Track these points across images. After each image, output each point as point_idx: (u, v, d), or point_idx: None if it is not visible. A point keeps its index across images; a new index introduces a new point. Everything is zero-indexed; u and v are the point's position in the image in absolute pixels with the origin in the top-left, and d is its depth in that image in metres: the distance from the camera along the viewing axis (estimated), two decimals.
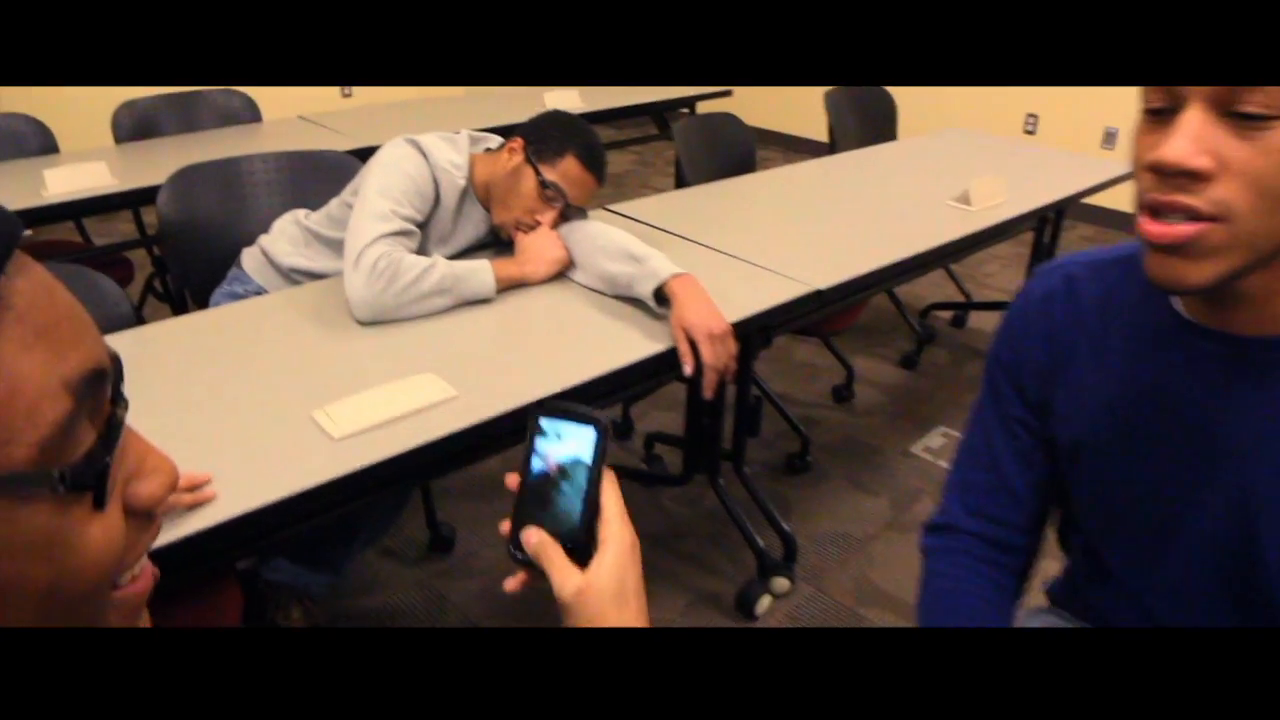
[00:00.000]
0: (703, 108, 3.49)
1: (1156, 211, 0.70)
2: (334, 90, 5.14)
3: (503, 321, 1.55)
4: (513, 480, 0.64)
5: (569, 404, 0.64)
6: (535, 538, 0.62)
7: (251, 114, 2.93)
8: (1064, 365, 0.91)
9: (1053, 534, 1.06)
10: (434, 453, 1.20)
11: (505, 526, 0.63)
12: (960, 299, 3.52)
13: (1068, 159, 2.84)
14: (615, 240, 1.62)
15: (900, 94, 3.42)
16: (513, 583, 0.66)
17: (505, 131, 1.77)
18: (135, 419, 0.42)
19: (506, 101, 3.24)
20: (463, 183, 1.69)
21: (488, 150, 1.76)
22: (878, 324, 3.40)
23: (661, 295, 1.51)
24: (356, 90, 5.21)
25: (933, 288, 3.66)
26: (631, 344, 1.48)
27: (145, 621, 0.45)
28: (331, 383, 1.30)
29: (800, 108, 5.62)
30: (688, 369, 1.46)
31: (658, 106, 3.53)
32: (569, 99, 3.26)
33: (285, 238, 1.76)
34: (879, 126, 3.30)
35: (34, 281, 0.36)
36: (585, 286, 1.67)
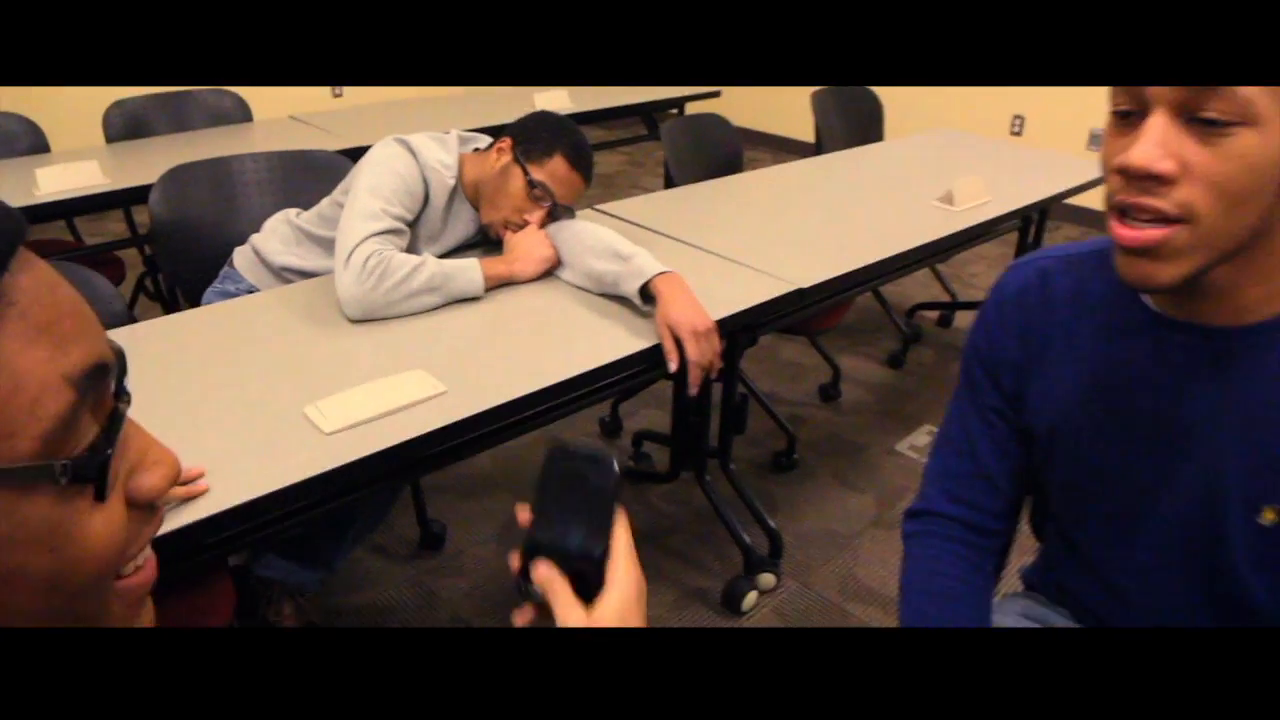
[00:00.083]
0: (691, 109, 3.52)
1: (1125, 213, 0.74)
2: (324, 90, 5.15)
3: (491, 319, 1.58)
4: (525, 515, 0.65)
5: (585, 444, 0.65)
6: (544, 571, 0.62)
7: (242, 114, 2.95)
8: (1038, 357, 0.95)
9: (1026, 522, 1.10)
10: (423, 447, 1.22)
11: (515, 562, 0.64)
12: (946, 299, 3.55)
13: (1052, 160, 2.87)
14: (602, 239, 1.65)
15: (886, 96, 3.45)
16: (521, 618, 0.66)
17: (494, 132, 1.79)
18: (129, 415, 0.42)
19: (496, 102, 3.26)
20: (452, 182, 1.71)
21: (477, 150, 1.79)
22: (864, 324, 3.43)
23: (647, 293, 1.54)
24: (347, 90, 5.22)
25: (919, 288, 3.69)
26: (617, 341, 1.50)
27: (149, 610, 0.46)
28: (323, 379, 1.32)
29: (788, 109, 5.66)
30: (673, 365, 1.48)
31: (647, 107, 3.56)
32: (558, 100, 3.28)
33: (277, 237, 1.78)
34: (865, 128, 3.33)
35: (37, 278, 0.36)
36: (572, 284, 1.70)
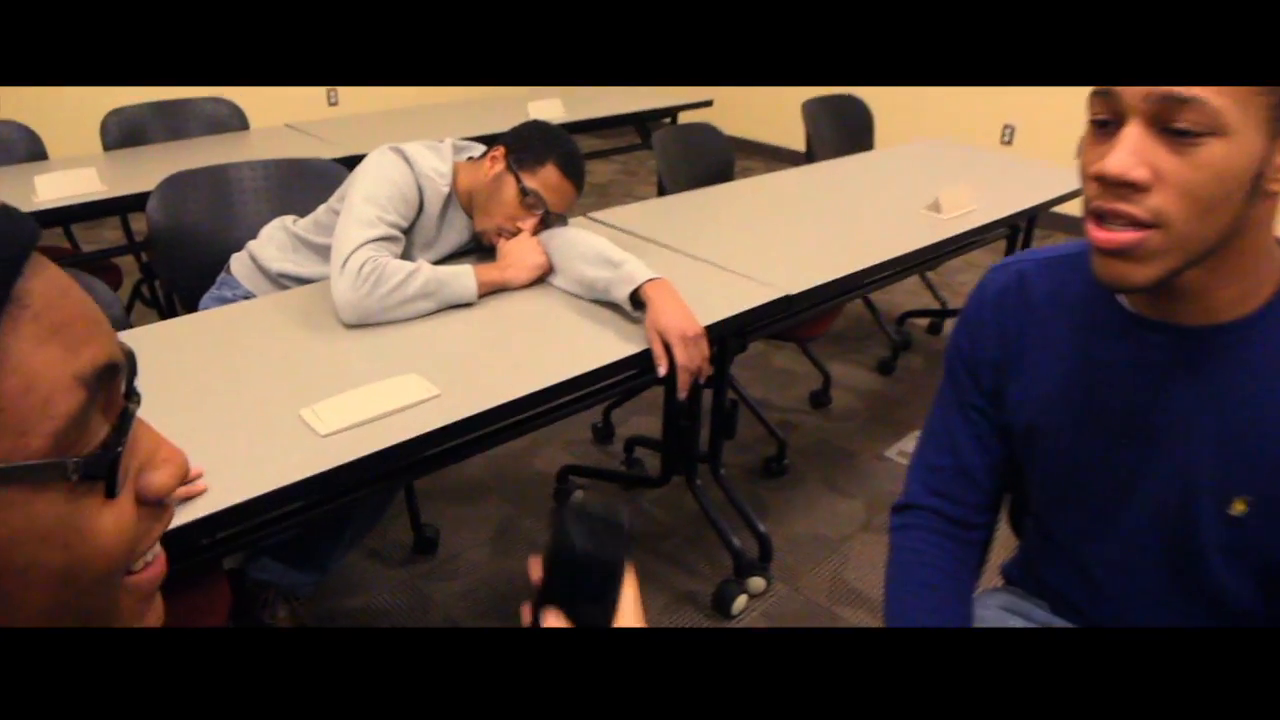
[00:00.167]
0: (684, 118, 3.56)
1: (1102, 218, 0.77)
2: (320, 99, 5.18)
3: (484, 324, 1.60)
4: (536, 569, 0.65)
5: (597, 502, 0.67)
6: (554, 621, 0.63)
7: (239, 122, 2.97)
8: (1017, 356, 0.98)
9: (1005, 520, 1.13)
10: (417, 448, 1.24)
11: (526, 613, 0.65)
12: (936, 306, 3.59)
13: (1041, 169, 2.91)
14: (593, 246, 1.68)
15: (877, 105, 3.49)
16: None
17: (488, 141, 1.82)
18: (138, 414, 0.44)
19: (490, 111, 3.29)
20: (446, 190, 1.74)
21: (471, 159, 1.81)
22: (855, 331, 3.46)
23: (637, 299, 1.57)
24: (342, 99, 5.25)
25: (909, 295, 3.73)
26: (608, 346, 1.53)
27: (158, 606, 0.46)
28: (318, 383, 1.34)
29: (780, 118, 5.70)
30: (662, 370, 1.51)
31: (640, 116, 3.59)
32: (552, 109, 3.31)
33: (273, 243, 1.81)
34: (856, 137, 3.36)
35: (49, 282, 0.37)
36: (564, 291, 1.73)
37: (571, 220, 1.88)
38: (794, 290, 1.79)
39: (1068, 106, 4.59)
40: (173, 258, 1.90)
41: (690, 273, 1.86)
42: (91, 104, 3.01)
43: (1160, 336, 0.87)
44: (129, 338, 1.49)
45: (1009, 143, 4.89)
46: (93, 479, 0.38)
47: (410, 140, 1.74)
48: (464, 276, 1.62)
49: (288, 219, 1.85)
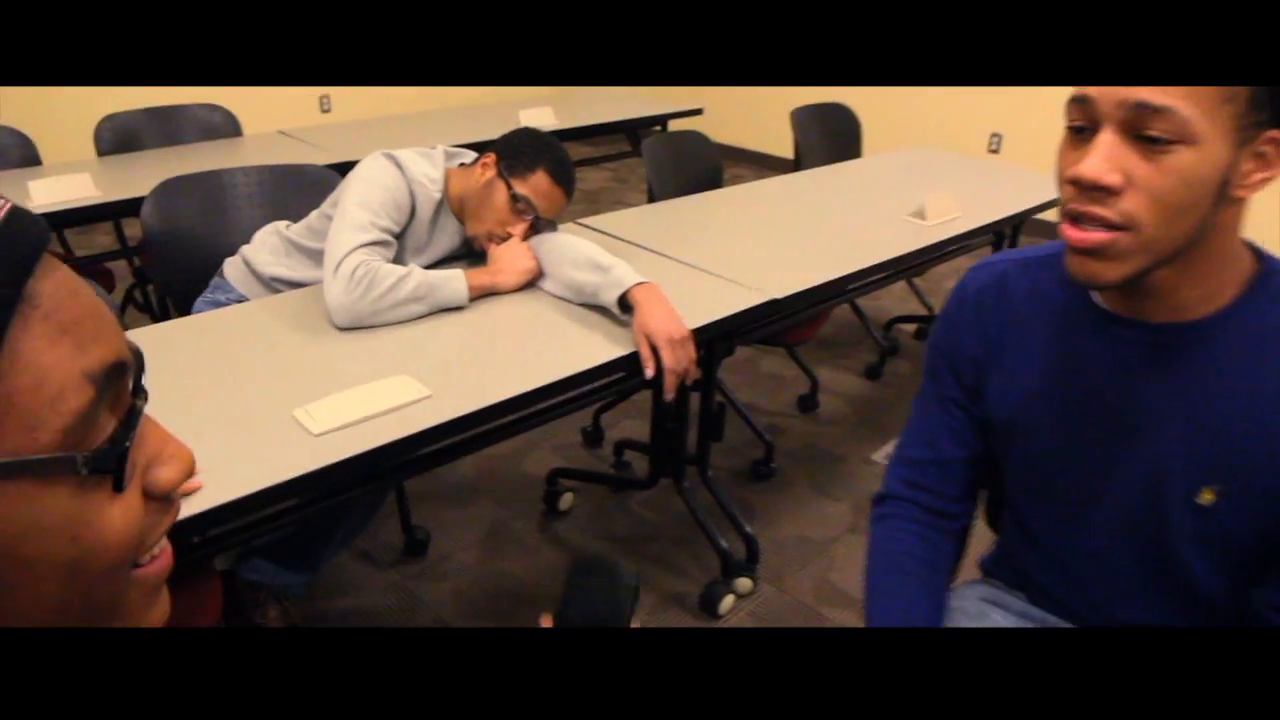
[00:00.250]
0: (674, 126, 3.59)
1: (1076, 219, 0.81)
2: (314, 105, 5.21)
3: (475, 327, 1.63)
4: (547, 621, 0.68)
5: (607, 558, 0.69)
6: None
7: (232, 128, 3.00)
8: (996, 353, 1.02)
9: (982, 516, 1.17)
10: (409, 448, 1.27)
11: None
12: (923, 312, 3.63)
13: (1028, 176, 2.94)
14: (582, 251, 1.71)
15: (865, 113, 3.53)
16: None
17: (480, 148, 1.85)
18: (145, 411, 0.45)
19: (481, 119, 3.32)
20: (438, 196, 1.77)
21: (462, 165, 1.84)
22: (843, 337, 3.50)
23: (625, 303, 1.60)
24: (335, 105, 5.28)
25: (896, 301, 3.77)
26: (596, 348, 1.56)
27: (164, 599, 0.47)
28: (311, 384, 1.37)
29: (768, 126, 5.74)
30: (649, 372, 1.54)
31: (630, 124, 3.63)
32: (543, 117, 3.34)
33: (266, 248, 1.83)
34: (844, 145, 3.40)
35: (60, 282, 0.39)
36: (553, 295, 1.76)
37: (561, 226, 1.91)
38: (780, 294, 1.82)
39: (1055, 115, 4.58)
40: (166, 262, 1.92)
41: (678, 277, 1.89)
42: (85, 110, 3.03)
43: (1132, 333, 0.91)
44: None
45: (996, 151, 4.94)
46: (101, 473, 0.39)
47: (402, 147, 1.77)
48: (455, 280, 1.65)
49: (281, 224, 1.87)
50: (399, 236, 1.71)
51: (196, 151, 2.77)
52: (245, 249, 1.85)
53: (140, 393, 0.44)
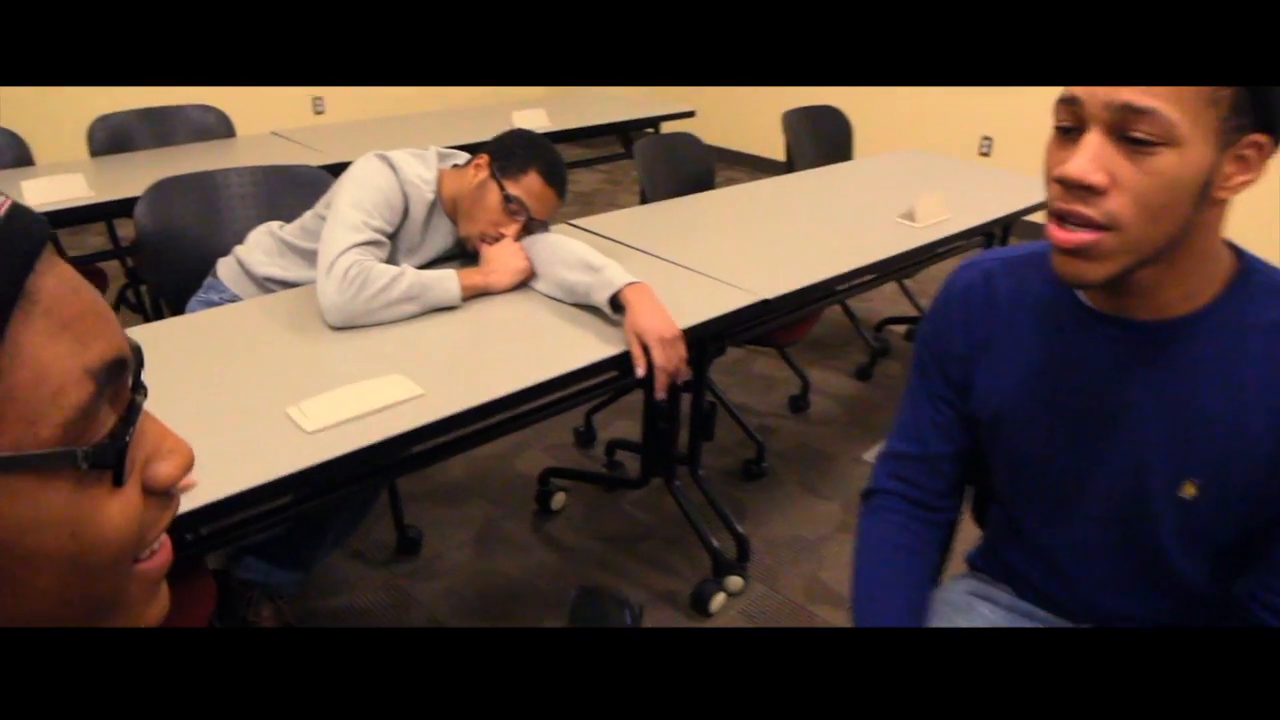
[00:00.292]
0: (666, 128, 3.61)
1: (1062, 218, 0.83)
2: (306, 107, 5.21)
3: (467, 327, 1.64)
4: None
5: (610, 590, 0.70)
6: None
7: (225, 129, 3.00)
8: (983, 349, 1.04)
9: (968, 512, 1.19)
10: (402, 445, 1.28)
11: None
12: (913, 314, 3.65)
13: (1017, 179, 2.96)
14: (574, 251, 1.72)
15: (857, 116, 3.55)
16: None
17: (473, 149, 1.87)
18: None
19: (474, 120, 3.33)
20: (431, 196, 1.78)
21: (455, 166, 1.86)
22: (834, 338, 3.52)
23: (617, 302, 1.61)
24: (329, 107, 5.28)
25: (887, 303, 3.79)
26: (588, 347, 1.58)
27: (164, 593, 0.47)
28: (305, 382, 1.38)
29: (760, 128, 5.75)
30: (640, 370, 1.56)
31: (623, 126, 3.64)
32: (536, 118, 3.36)
33: (260, 248, 1.84)
34: (835, 148, 3.42)
35: (60, 278, 0.39)
36: (546, 295, 1.77)
37: (554, 227, 1.92)
38: (770, 295, 1.84)
39: (1045, 119, 4.59)
40: (160, 262, 1.92)
41: (669, 278, 1.90)
42: (78, 110, 3.04)
43: (1116, 330, 0.93)
44: None
45: (987, 154, 4.97)
46: (101, 468, 0.39)
47: (395, 149, 1.78)
48: (448, 280, 1.66)
49: (274, 224, 1.88)
50: (392, 237, 1.72)
51: (190, 152, 2.77)
52: (239, 249, 1.86)
53: (140, 388, 0.44)
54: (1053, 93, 0.83)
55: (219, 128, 2.99)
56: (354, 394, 1.33)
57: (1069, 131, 0.82)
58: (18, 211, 0.38)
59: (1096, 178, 0.79)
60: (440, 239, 1.83)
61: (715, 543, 2.12)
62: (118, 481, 0.40)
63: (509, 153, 1.76)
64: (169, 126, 2.91)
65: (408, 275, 1.61)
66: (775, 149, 3.45)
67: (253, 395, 1.35)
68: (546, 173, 1.76)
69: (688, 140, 2.83)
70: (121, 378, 0.42)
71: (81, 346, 0.38)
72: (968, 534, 1.26)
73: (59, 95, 4.11)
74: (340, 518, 1.82)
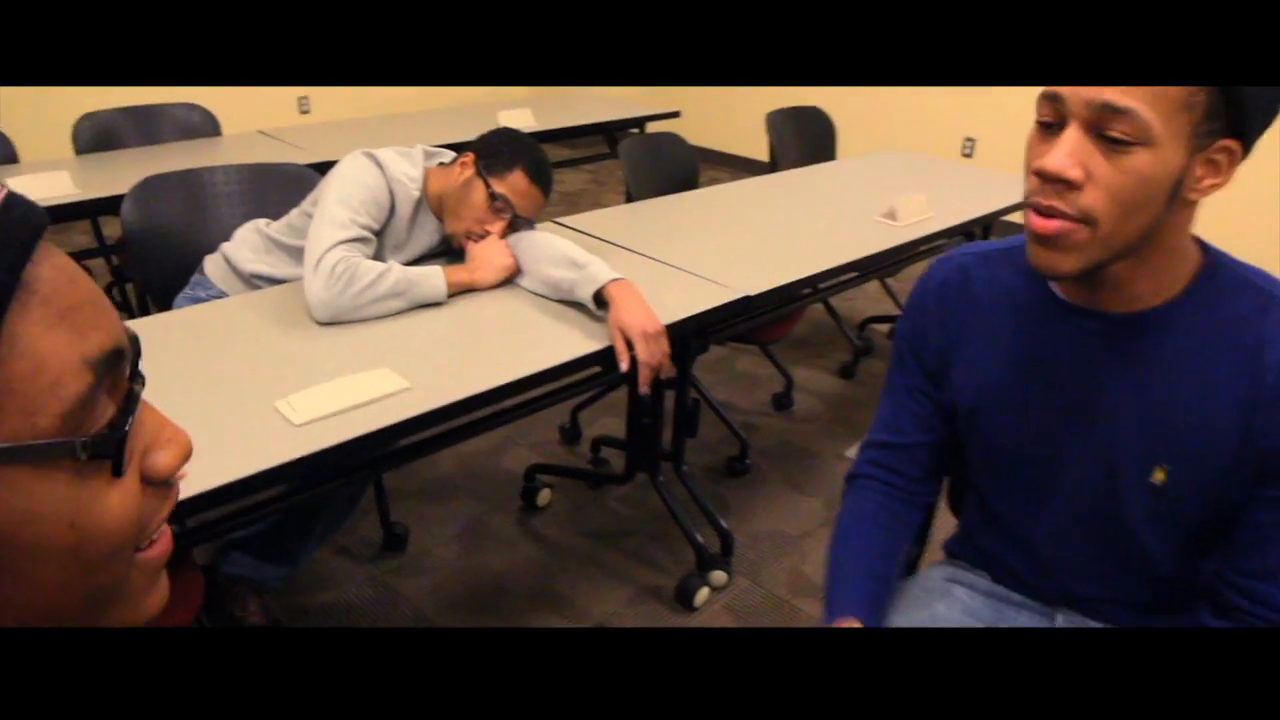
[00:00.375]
0: (652, 128, 3.63)
1: (1038, 210, 0.86)
2: (292, 106, 5.21)
3: (453, 323, 1.66)
4: None
5: None
6: None
7: (211, 128, 3.00)
8: (959, 341, 1.07)
9: (945, 502, 1.22)
10: (389, 438, 1.30)
11: None
12: (896, 313, 3.68)
13: (998, 179, 2.99)
14: (559, 249, 1.74)
15: (840, 117, 3.58)
16: None
17: (458, 149, 1.88)
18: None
19: (460, 120, 3.35)
20: (417, 194, 1.79)
21: (441, 164, 1.87)
22: (817, 336, 3.55)
23: (601, 298, 1.63)
24: (314, 106, 5.28)
25: (871, 302, 3.83)
26: (572, 343, 1.60)
27: (163, 582, 0.47)
28: (292, 376, 1.40)
29: (744, 129, 5.78)
30: (623, 365, 1.58)
31: (608, 126, 3.66)
32: (522, 118, 3.37)
33: (247, 245, 1.85)
34: (818, 148, 3.45)
35: (57, 268, 0.38)
36: (531, 291, 1.79)
37: (539, 225, 1.94)
38: (753, 291, 1.86)
39: (1027, 119, 4.67)
40: (146, 259, 1.93)
41: (653, 275, 1.93)
42: (63, 108, 3.03)
43: (1090, 322, 0.96)
44: None
45: (970, 155, 5.02)
46: (100, 458, 0.39)
47: (382, 147, 1.80)
48: (434, 277, 1.68)
49: (261, 222, 1.89)
50: (379, 234, 1.74)
51: (175, 150, 2.77)
52: (225, 246, 1.87)
53: (138, 378, 0.44)
54: (1035, 95, 0.87)
55: (204, 126, 3.00)
56: (342, 387, 1.35)
57: (1050, 127, 0.85)
58: (14, 200, 0.37)
59: (1074, 173, 0.82)
60: (426, 236, 1.85)
61: (699, 538, 2.15)
62: (117, 472, 0.40)
63: (494, 151, 1.78)
64: (154, 125, 2.91)
65: (394, 271, 1.63)
66: (759, 150, 3.48)
67: (241, 389, 1.36)
68: (532, 171, 1.78)
69: (673, 140, 2.86)
70: (119, 368, 0.42)
71: (79, 337, 0.38)
72: (946, 523, 1.30)
73: (44, 93, 4.10)
74: (327, 513, 1.83)
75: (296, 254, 1.76)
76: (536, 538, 2.32)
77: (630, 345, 1.58)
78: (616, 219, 2.35)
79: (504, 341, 1.60)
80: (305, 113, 5.27)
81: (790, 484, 2.60)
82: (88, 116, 2.76)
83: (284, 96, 5.17)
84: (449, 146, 1.97)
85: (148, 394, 0.44)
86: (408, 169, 1.79)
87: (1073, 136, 0.82)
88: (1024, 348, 1.02)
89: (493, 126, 1.92)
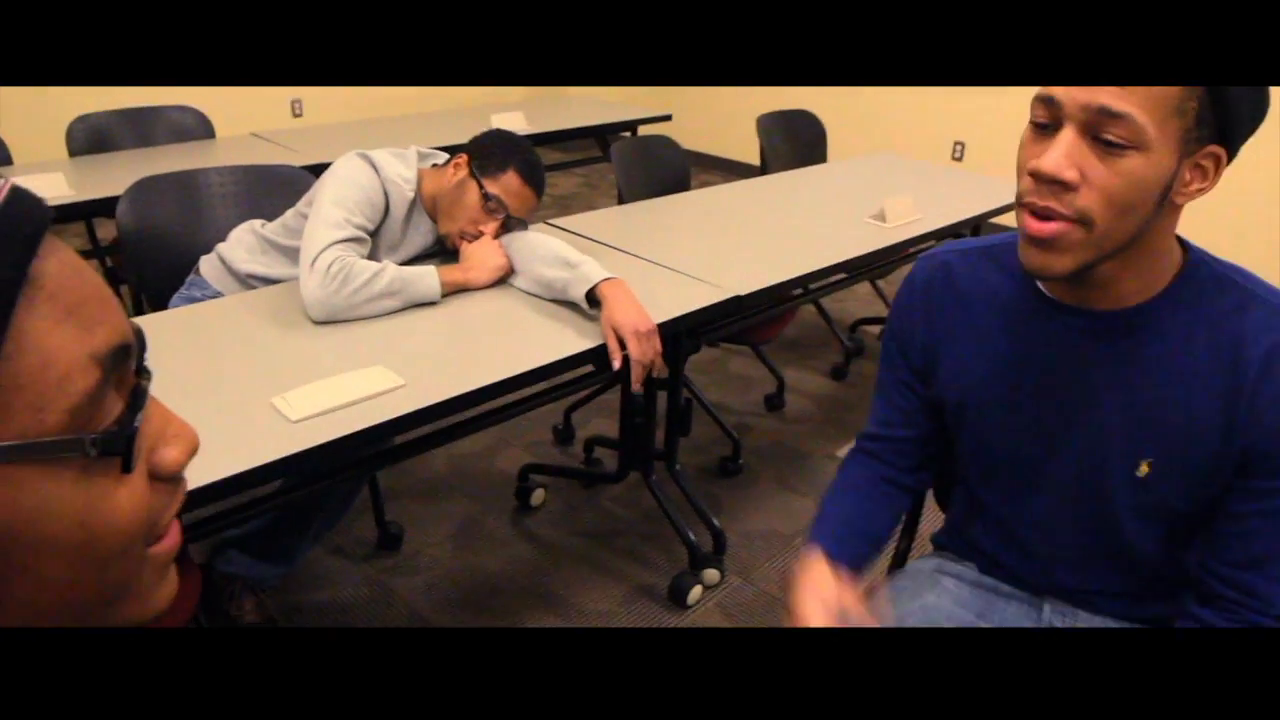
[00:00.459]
0: (644, 132, 3.66)
1: (1033, 211, 0.88)
2: (285, 110, 5.22)
3: (447, 322, 1.68)
4: None
5: None
6: None
7: (205, 130, 3.02)
8: (945, 337, 1.10)
9: (932, 496, 1.24)
10: (385, 434, 1.31)
11: None
12: (887, 314, 3.70)
13: (986, 181, 3.02)
14: (552, 249, 1.76)
15: (830, 121, 3.61)
16: None
17: (451, 151, 1.90)
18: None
19: (452, 123, 3.37)
20: (411, 195, 1.81)
21: (435, 165, 1.89)
22: (809, 338, 3.57)
23: (593, 297, 1.65)
24: (307, 110, 5.29)
25: (861, 304, 3.85)
26: (565, 341, 1.62)
27: (172, 577, 0.47)
28: (289, 374, 1.41)
29: (735, 133, 5.82)
30: (616, 363, 1.60)
31: (600, 129, 3.68)
32: (515, 121, 3.39)
33: (242, 246, 1.86)
34: (809, 151, 3.48)
35: (63, 262, 0.38)
36: (524, 291, 1.81)
37: (532, 226, 1.96)
38: (743, 291, 1.88)
39: (1016, 123, 4.73)
40: (141, 260, 1.94)
41: (645, 275, 1.94)
42: (57, 111, 3.04)
43: (1076, 319, 0.99)
44: None
45: (959, 159, 5.05)
46: (111, 453, 0.39)
47: (375, 149, 1.82)
48: (428, 276, 1.70)
49: (256, 223, 1.90)
50: (373, 234, 1.75)
51: (169, 153, 2.78)
52: (221, 247, 1.89)
53: (144, 373, 0.43)
54: (1024, 101, 0.89)
55: (198, 129, 3.01)
56: (337, 384, 1.36)
57: (1044, 128, 0.87)
58: (19, 195, 0.37)
59: (1070, 174, 0.84)
60: (420, 237, 1.87)
61: (692, 536, 2.17)
62: (127, 468, 0.40)
63: (488, 152, 1.80)
64: (148, 127, 2.92)
65: (389, 271, 1.64)
66: (750, 154, 3.51)
67: (238, 386, 1.38)
68: (524, 171, 1.79)
69: (664, 143, 2.88)
70: (126, 363, 0.41)
71: (86, 332, 0.38)
72: (934, 517, 1.32)
73: (38, 95, 4.10)
74: (322, 512, 1.85)
75: (292, 254, 1.78)
76: (530, 537, 2.34)
77: (623, 343, 1.60)
78: (608, 220, 2.37)
79: (498, 340, 1.61)
80: (298, 116, 5.28)
81: (782, 484, 2.62)
82: (81, 119, 2.77)
83: (277, 100, 5.18)
84: (442, 149, 1.99)
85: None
86: (402, 170, 1.80)
87: (1069, 139, 0.84)
88: (1011, 344, 1.05)
89: (485, 129, 1.94)
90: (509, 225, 1.84)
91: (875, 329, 3.66)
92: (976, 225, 2.79)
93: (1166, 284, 0.95)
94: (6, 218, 0.35)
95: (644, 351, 1.60)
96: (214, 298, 1.82)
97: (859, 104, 5.28)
